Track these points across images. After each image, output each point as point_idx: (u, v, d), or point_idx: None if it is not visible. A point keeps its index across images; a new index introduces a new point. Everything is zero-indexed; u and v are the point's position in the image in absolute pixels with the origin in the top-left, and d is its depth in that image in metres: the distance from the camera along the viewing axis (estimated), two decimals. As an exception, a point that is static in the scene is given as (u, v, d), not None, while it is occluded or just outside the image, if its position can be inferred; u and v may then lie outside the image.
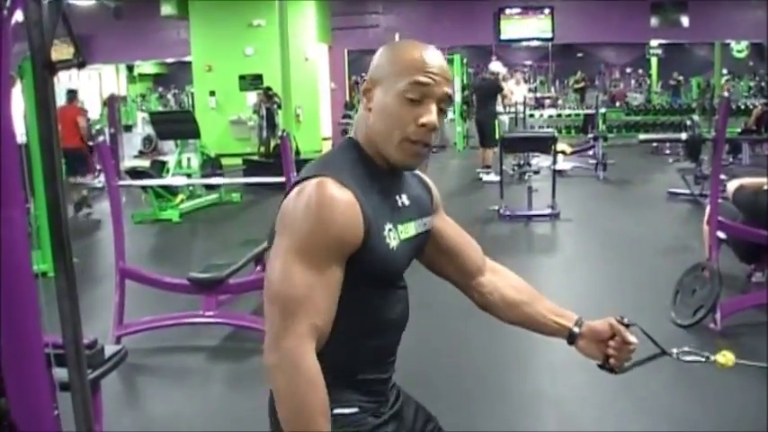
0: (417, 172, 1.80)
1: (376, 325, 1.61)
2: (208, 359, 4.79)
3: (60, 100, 10.94)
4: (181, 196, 10.19)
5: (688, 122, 5.12)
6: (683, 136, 5.14)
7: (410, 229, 1.65)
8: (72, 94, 10.75)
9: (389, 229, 1.57)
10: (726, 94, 4.84)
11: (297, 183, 1.54)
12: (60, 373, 1.94)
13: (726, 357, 1.89)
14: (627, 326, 1.75)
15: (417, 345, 4.29)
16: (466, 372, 4.43)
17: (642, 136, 5.87)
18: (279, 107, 14.15)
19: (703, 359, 1.86)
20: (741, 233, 4.89)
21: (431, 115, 1.53)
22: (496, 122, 12.58)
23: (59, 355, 1.90)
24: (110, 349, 3.42)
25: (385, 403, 1.70)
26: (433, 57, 1.57)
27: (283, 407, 1.45)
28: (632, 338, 1.72)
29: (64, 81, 18.29)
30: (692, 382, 4.02)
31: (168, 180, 10.10)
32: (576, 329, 1.79)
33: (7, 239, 1.81)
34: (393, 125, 1.54)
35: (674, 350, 1.84)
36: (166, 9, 16.71)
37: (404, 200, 1.66)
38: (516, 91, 15.20)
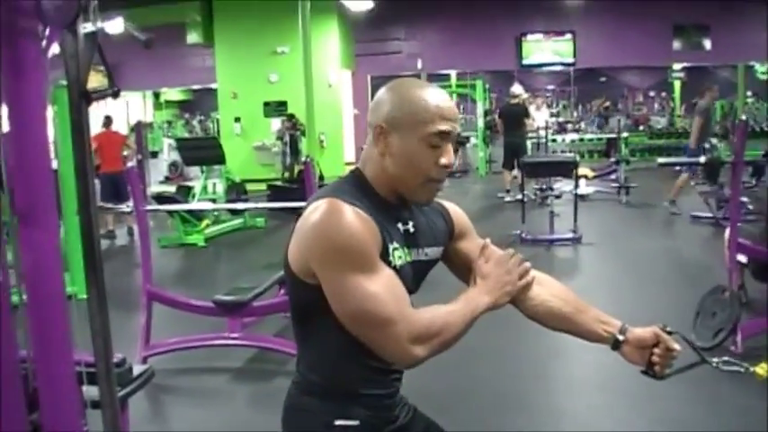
0: (440, 202, 1.91)
1: None
2: (231, 380, 4.88)
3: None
4: (206, 221, 10.31)
5: (707, 146, 5.16)
6: (702, 159, 5.19)
7: (412, 255, 1.75)
8: (108, 120, 10.91)
9: (394, 249, 1.68)
10: (744, 117, 4.88)
11: (308, 205, 1.66)
12: (89, 392, 2.03)
13: (764, 369, 1.93)
14: (669, 333, 1.82)
15: (434, 360, 4.37)
16: (482, 386, 4.50)
17: (661, 159, 5.88)
18: (302, 134, 14.31)
19: (743, 370, 1.93)
20: (762, 256, 4.91)
21: (450, 156, 1.68)
22: (526, 146, 12.75)
23: (89, 373, 1.99)
24: (137, 368, 3.51)
25: (389, 419, 1.79)
26: (448, 102, 1.69)
27: (457, 336, 1.66)
28: (676, 346, 1.79)
29: (92, 108, 18.60)
30: (705, 400, 4.07)
31: (194, 205, 10.23)
32: (620, 337, 1.84)
33: (41, 261, 1.90)
34: (417, 169, 1.67)
35: (715, 360, 1.93)
36: (192, 37, 16.98)
37: (409, 227, 1.76)
38: (538, 117, 15.20)
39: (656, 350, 1.81)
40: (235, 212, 11.03)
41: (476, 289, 1.74)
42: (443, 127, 1.65)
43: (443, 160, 1.66)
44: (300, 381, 1.78)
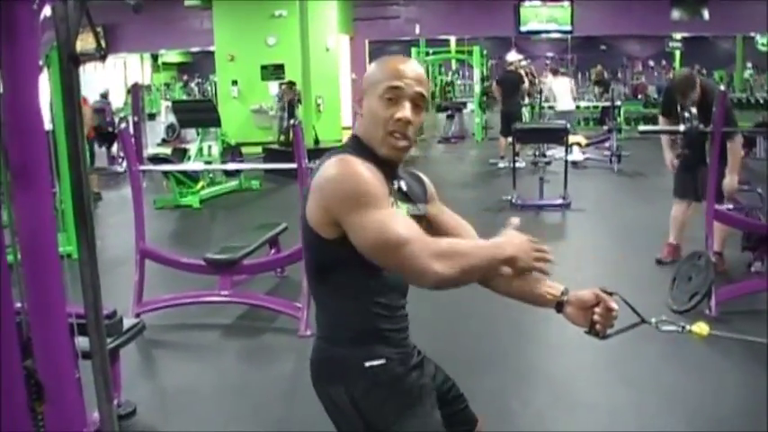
0: (414, 170, 2.18)
1: (380, 284, 1.92)
2: (222, 336, 5.03)
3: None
4: (201, 183, 10.40)
5: (686, 114, 5.25)
6: (681, 128, 5.29)
7: (409, 210, 1.97)
8: None
9: (392, 202, 1.88)
10: (722, 87, 4.98)
11: (318, 166, 1.88)
12: (82, 343, 2.16)
13: (700, 328, 2.07)
14: (610, 294, 1.94)
15: (417, 320, 4.51)
16: (463, 347, 4.65)
17: (642, 127, 6.02)
18: (299, 101, 14.36)
19: (680, 329, 2.04)
20: (737, 223, 5.05)
21: (404, 110, 1.87)
22: (522, 113, 12.80)
23: (81, 325, 2.12)
24: (128, 322, 3.67)
25: (408, 354, 2.02)
26: (407, 65, 1.91)
27: (477, 267, 1.79)
28: (615, 305, 1.93)
29: (89, 70, 18.61)
30: (679, 359, 4.24)
31: (187, 165, 10.30)
32: (563, 298, 1.98)
33: (35, 219, 2.02)
34: (377, 124, 1.88)
35: (653, 319, 2.03)
36: (190, -1, 16.96)
37: (401, 185, 2.00)
38: (560, 89, 14.36)
39: (597, 310, 1.93)
40: (230, 174, 11.14)
41: (502, 240, 1.85)
42: (395, 83, 1.86)
43: (398, 114, 1.86)
44: (326, 335, 2.00)
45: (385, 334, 1.94)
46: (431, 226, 2.09)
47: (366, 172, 1.79)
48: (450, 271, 1.73)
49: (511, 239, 1.85)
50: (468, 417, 2.20)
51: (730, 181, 5.43)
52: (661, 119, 6.18)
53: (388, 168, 1.93)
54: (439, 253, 1.72)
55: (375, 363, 1.91)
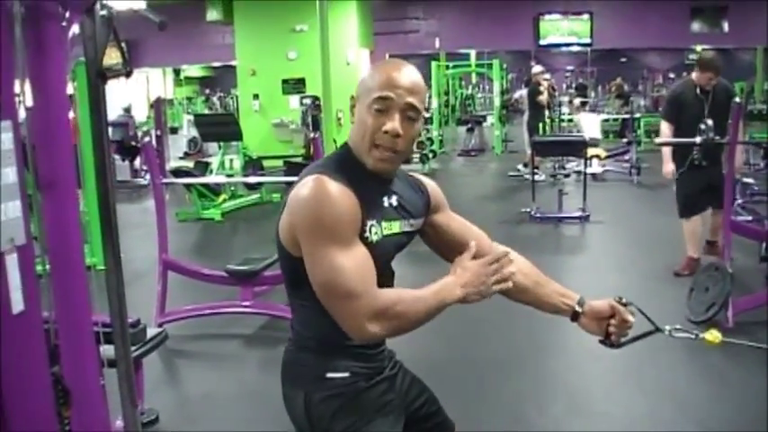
0: (417, 176, 2.07)
1: None
2: (243, 345, 5.11)
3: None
4: (223, 196, 10.50)
5: (702, 126, 5.29)
6: (698, 140, 5.32)
7: (394, 227, 1.87)
8: None
9: (371, 225, 1.79)
10: (737, 99, 5.02)
11: (299, 179, 1.81)
12: (107, 351, 2.23)
13: (713, 335, 2.10)
14: (625, 305, 1.97)
15: (437, 329, 4.56)
16: (482, 354, 4.71)
17: (658, 140, 6.02)
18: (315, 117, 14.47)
19: (693, 336, 2.07)
20: (752, 233, 5.06)
21: (393, 123, 1.76)
22: (539, 126, 12.86)
23: (106, 334, 2.19)
24: (152, 331, 3.75)
25: (377, 370, 1.95)
26: (400, 74, 1.79)
27: (418, 322, 1.73)
28: (630, 317, 1.96)
29: (112, 84, 18.79)
30: (694, 368, 4.29)
31: (209, 178, 10.42)
32: (578, 308, 2.00)
33: (62, 230, 2.09)
34: (364, 134, 1.78)
35: (667, 327, 2.06)
36: (212, 14, 17.07)
37: (392, 201, 1.88)
38: (587, 122, 14.48)
39: (612, 321, 1.97)
40: (252, 188, 11.22)
41: (452, 280, 1.78)
42: (385, 93, 1.75)
43: (386, 126, 1.75)
44: (295, 338, 1.96)
45: (352, 350, 1.87)
46: (436, 235, 2.05)
47: (337, 200, 1.70)
48: (385, 332, 1.71)
49: (460, 276, 1.78)
50: (444, 429, 2.14)
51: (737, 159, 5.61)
52: (665, 125, 6.19)
53: (379, 181, 1.86)
54: (379, 313, 1.67)
55: (337, 375, 1.86)
